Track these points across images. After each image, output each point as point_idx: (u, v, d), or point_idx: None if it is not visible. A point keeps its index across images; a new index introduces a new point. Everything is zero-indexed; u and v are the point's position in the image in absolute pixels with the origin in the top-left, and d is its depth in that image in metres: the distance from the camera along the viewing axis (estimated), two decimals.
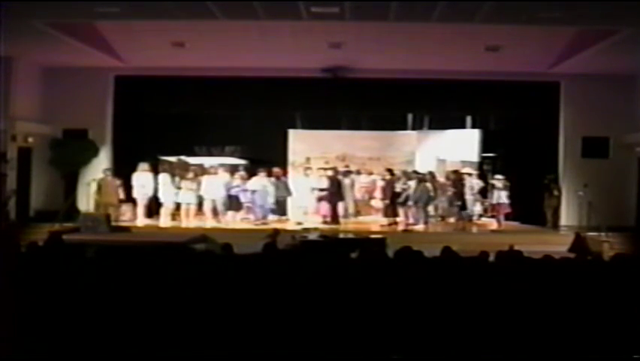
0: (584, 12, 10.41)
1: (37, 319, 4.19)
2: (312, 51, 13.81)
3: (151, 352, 4.05)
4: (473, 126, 17.08)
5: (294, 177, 15.51)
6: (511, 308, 4.45)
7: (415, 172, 14.75)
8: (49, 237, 8.09)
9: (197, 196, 14.20)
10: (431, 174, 14.86)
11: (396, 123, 17.56)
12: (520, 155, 15.72)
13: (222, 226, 13.80)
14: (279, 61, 14.46)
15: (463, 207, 14.31)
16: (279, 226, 12.59)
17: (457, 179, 14.76)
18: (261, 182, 14.25)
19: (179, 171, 14.95)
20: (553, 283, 4.99)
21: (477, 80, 15.11)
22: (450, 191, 14.68)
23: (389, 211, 14.43)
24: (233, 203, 14.18)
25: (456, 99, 15.82)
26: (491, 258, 6.31)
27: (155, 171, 14.47)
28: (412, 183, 13.94)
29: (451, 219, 14.71)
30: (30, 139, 14.51)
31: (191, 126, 16.42)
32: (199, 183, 14.24)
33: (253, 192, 14.15)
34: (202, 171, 15.30)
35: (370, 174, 16.23)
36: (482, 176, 15.49)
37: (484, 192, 14.92)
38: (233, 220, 14.17)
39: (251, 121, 16.49)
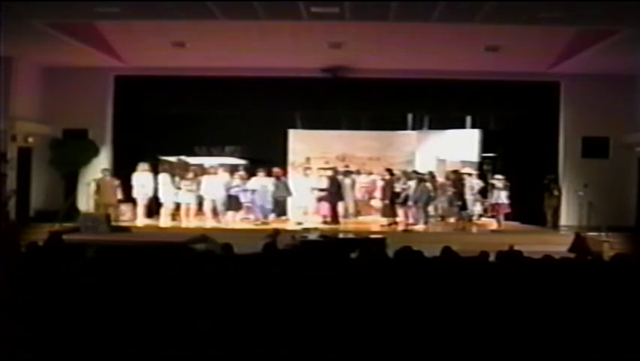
0: (584, 12, 10.40)
1: (37, 319, 4.19)
2: (312, 51, 13.80)
3: (151, 352, 4.05)
4: (473, 126, 17.09)
5: (294, 177, 15.51)
6: (512, 308, 4.45)
7: (415, 172, 14.75)
8: (49, 237, 8.09)
9: (197, 196, 14.20)
10: (431, 174, 14.86)
11: (396, 123, 17.57)
12: (520, 155, 15.72)
13: (222, 225, 13.80)
14: (279, 61, 14.46)
15: (463, 207, 14.31)
16: (279, 225, 12.58)
17: (457, 179, 14.77)
18: (260, 182, 14.26)
19: (179, 171, 14.95)
20: (553, 283, 4.99)
21: (477, 80, 15.10)
22: (450, 191, 14.69)
23: (387, 211, 14.44)
24: (233, 203, 14.17)
25: (456, 99, 15.81)
26: (491, 258, 6.31)
27: (155, 171, 14.47)
28: (412, 183, 13.94)
29: (451, 219, 14.71)
30: (30, 139, 14.51)
31: (191, 126, 16.43)
32: (199, 183, 14.24)
33: (253, 192, 14.16)
34: (202, 171, 15.30)
35: (370, 174, 16.24)
36: (482, 176, 15.51)
37: (484, 192, 14.92)
38: (233, 220, 14.16)
39: (251, 121, 16.47)
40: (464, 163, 16.08)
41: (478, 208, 14.83)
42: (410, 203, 13.90)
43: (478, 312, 4.37)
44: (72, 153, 15.23)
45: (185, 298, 4.50)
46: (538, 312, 4.37)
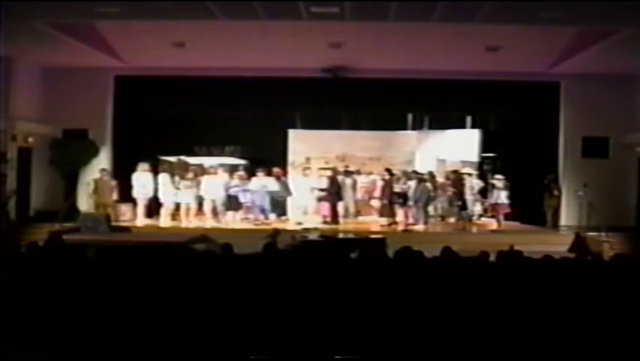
0: (584, 12, 10.41)
1: (37, 319, 4.19)
2: (312, 51, 13.80)
3: (151, 352, 4.05)
4: (473, 126, 17.09)
5: (294, 177, 15.51)
6: (511, 308, 4.45)
7: (415, 172, 14.75)
8: (49, 237, 8.08)
9: (197, 196, 14.21)
10: (431, 174, 14.86)
11: (396, 123, 17.57)
12: (520, 155, 15.72)
13: (222, 226, 13.80)
14: (279, 61, 14.46)
15: (463, 207, 14.31)
16: (279, 225, 12.58)
17: (457, 179, 14.77)
18: (260, 182, 14.25)
19: (179, 171, 14.93)
20: (553, 283, 4.99)
21: (477, 80, 15.11)
22: (450, 191, 14.69)
23: (385, 211, 14.43)
24: (232, 203, 14.17)
25: (456, 99, 15.82)
26: (491, 258, 6.31)
27: (155, 171, 14.46)
28: (412, 183, 13.94)
29: (451, 219, 14.71)
30: (30, 139, 14.51)
31: (191, 126, 16.43)
32: (199, 183, 14.24)
33: (253, 192, 14.15)
34: (202, 171, 15.30)
35: (370, 174, 16.23)
36: (482, 176, 15.52)
37: (484, 192, 14.93)
38: (233, 220, 14.16)
39: (251, 121, 16.48)
40: (464, 163, 16.08)
41: (478, 208, 14.84)
42: (410, 203, 13.90)
43: (478, 312, 4.37)
44: (72, 153, 15.23)
45: (185, 298, 4.50)
46: (538, 312, 4.36)
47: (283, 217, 14.70)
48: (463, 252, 6.35)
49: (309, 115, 17.08)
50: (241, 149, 17.24)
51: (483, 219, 15.13)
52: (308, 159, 16.85)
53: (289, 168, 16.38)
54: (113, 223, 12.92)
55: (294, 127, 17.30)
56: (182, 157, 16.55)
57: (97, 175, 14.39)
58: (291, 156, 17.00)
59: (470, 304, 4.45)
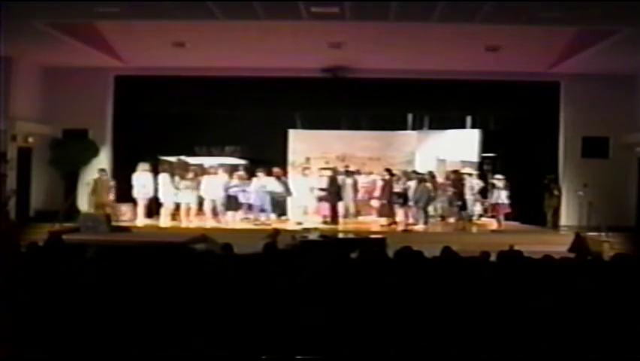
0: (584, 12, 10.41)
1: (37, 319, 4.18)
2: (312, 51, 13.80)
3: (151, 352, 4.05)
4: (473, 126, 17.08)
5: (293, 177, 15.51)
6: (512, 308, 4.45)
7: (415, 172, 14.75)
8: (49, 237, 8.08)
9: (197, 196, 14.21)
10: (431, 174, 14.86)
11: (396, 123, 17.56)
12: (520, 155, 15.72)
13: (222, 226, 13.80)
14: (279, 61, 14.46)
15: (463, 207, 14.31)
16: (279, 225, 12.58)
17: (457, 179, 14.77)
18: (260, 182, 14.25)
19: (179, 171, 14.93)
20: (553, 283, 4.99)
21: (477, 80, 15.10)
22: (450, 191, 14.69)
23: (384, 211, 14.43)
24: (232, 203, 14.18)
25: (456, 99, 15.81)
26: (492, 258, 6.32)
27: (155, 171, 14.46)
28: (412, 183, 13.94)
29: (451, 219, 14.71)
30: (30, 139, 14.51)
31: (191, 126, 16.42)
32: (199, 183, 14.24)
33: (252, 192, 14.15)
34: (202, 171, 15.30)
35: (370, 174, 16.23)
36: (482, 176, 15.51)
37: (484, 192, 14.93)
38: (233, 220, 14.16)
39: (251, 121, 16.46)
40: (464, 163, 16.08)
41: (478, 208, 14.84)
42: (410, 203, 13.90)
43: (479, 312, 4.37)
44: (72, 153, 15.23)
45: (185, 298, 4.50)
46: (538, 312, 4.36)
47: (283, 217, 14.71)
48: (463, 252, 6.35)
49: (309, 115, 17.08)
50: (241, 149, 17.23)
51: (483, 219, 15.13)
52: (308, 159, 16.84)
53: (289, 168, 16.37)
54: (113, 223, 12.95)
55: (294, 127, 17.30)
56: (182, 157, 16.54)
57: (96, 175, 14.40)
58: (291, 156, 16.99)
59: (470, 305, 4.45)
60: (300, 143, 17.24)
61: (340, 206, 14.86)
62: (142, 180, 14.03)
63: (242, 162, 16.33)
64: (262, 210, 14.25)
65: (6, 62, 13.38)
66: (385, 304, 4.41)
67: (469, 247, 7.70)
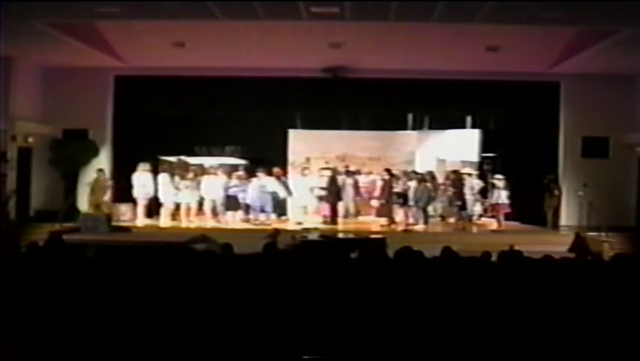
0: (584, 12, 10.41)
1: (38, 319, 4.18)
2: (312, 51, 13.80)
3: (151, 352, 4.05)
4: (473, 126, 17.09)
5: (294, 177, 15.51)
6: (511, 308, 4.45)
7: (415, 172, 14.75)
8: (49, 237, 8.08)
9: (197, 196, 14.21)
10: (431, 174, 14.86)
11: (396, 123, 17.56)
12: (520, 155, 15.72)
13: (222, 225, 13.81)
14: (279, 61, 14.46)
15: (463, 207, 14.31)
16: (279, 225, 12.58)
17: (457, 179, 14.76)
18: (260, 182, 14.25)
19: (179, 171, 14.94)
20: (553, 283, 4.99)
21: (477, 80, 15.10)
22: (450, 191, 14.70)
23: (383, 211, 14.43)
24: (232, 203, 14.18)
25: (456, 99, 15.80)
26: (493, 258, 6.32)
27: (155, 171, 14.46)
28: (412, 183, 13.94)
29: (451, 219, 14.72)
30: (30, 139, 14.51)
31: (191, 126, 16.41)
32: (199, 184, 14.24)
33: (252, 192, 14.15)
34: (202, 171, 15.30)
35: (370, 174, 16.23)
36: (482, 176, 15.51)
37: (484, 192, 14.93)
38: (233, 220, 14.17)
39: (251, 121, 16.46)
40: (464, 163, 16.08)
41: (478, 208, 14.83)
42: (410, 203, 13.90)
43: (478, 312, 4.37)
44: (72, 153, 15.22)
45: (185, 298, 4.50)
46: (538, 312, 4.36)
47: (283, 217, 14.70)
48: (464, 252, 6.35)
49: (309, 115, 17.08)
50: (241, 149, 17.23)
51: (483, 219, 15.12)
52: (308, 159, 16.83)
53: (289, 168, 16.37)
54: (113, 223, 12.96)
55: (294, 127, 17.30)
56: (182, 157, 16.54)
57: (95, 175, 14.43)
58: (291, 156, 16.99)
59: (470, 305, 4.45)
60: (300, 143, 17.23)
61: (340, 206, 14.86)
62: (142, 180, 14.04)
63: (242, 162, 16.33)
64: (262, 211, 14.26)
65: (6, 62, 13.38)
66: (385, 305, 4.41)
67: (469, 247, 7.70)
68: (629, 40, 11.60)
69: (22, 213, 14.19)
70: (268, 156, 16.16)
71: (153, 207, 14.52)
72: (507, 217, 14.46)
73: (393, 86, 15.38)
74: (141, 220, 14.05)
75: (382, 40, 12.95)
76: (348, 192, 15.24)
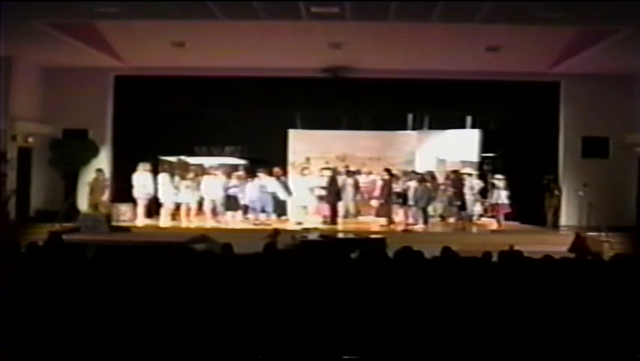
0: (584, 12, 10.41)
1: (38, 319, 4.18)
2: (312, 51, 13.80)
3: (151, 352, 4.05)
4: (473, 126, 17.09)
5: (294, 177, 15.51)
6: (511, 308, 4.45)
7: (415, 172, 14.75)
8: (49, 237, 8.07)
9: (197, 196, 14.21)
10: (431, 174, 14.86)
11: (396, 123, 17.58)
12: (520, 155, 15.73)
13: (222, 225, 13.81)
14: (279, 61, 14.46)
15: (463, 207, 14.31)
16: (279, 226, 12.59)
17: (457, 179, 14.77)
18: (260, 182, 14.26)
19: (179, 171, 14.95)
20: (553, 283, 4.99)
21: (477, 80, 15.10)
22: (450, 191, 14.70)
23: (382, 211, 14.43)
24: (232, 203, 14.18)
25: (456, 99, 15.80)
26: (493, 258, 6.32)
27: (155, 171, 14.47)
28: (412, 184, 13.94)
29: (451, 219, 14.71)
30: (30, 139, 14.52)
31: (191, 126, 16.43)
32: (199, 184, 14.25)
33: (252, 192, 14.15)
34: (202, 171, 15.31)
35: (370, 173, 16.23)
36: (482, 176, 15.52)
37: (484, 192, 14.94)
38: (233, 220, 14.17)
39: (251, 121, 16.48)
40: (464, 163, 16.08)
41: (478, 208, 14.84)
42: (410, 203, 13.90)
43: (478, 312, 4.37)
44: (72, 153, 15.23)
45: (185, 298, 4.50)
46: (538, 312, 4.36)
47: (283, 217, 14.70)
48: (463, 252, 6.35)
49: (309, 115, 17.09)
50: (241, 149, 17.24)
51: (483, 219, 15.13)
52: (308, 159, 16.84)
53: (289, 168, 16.37)
54: (113, 223, 12.97)
55: (294, 127, 17.31)
56: (182, 157, 16.55)
57: (94, 175, 14.45)
58: (291, 156, 16.99)
59: (470, 304, 4.45)
60: (300, 143, 17.24)
61: (340, 206, 14.86)
62: (142, 180, 14.03)
63: (242, 162, 16.33)
64: (263, 211, 14.26)
65: (6, 62, 13.37)
66: (385, 305, 4.41)
67: (469, 247, 7.71)
68: (629, 40, 11.60)
69: (22, 213, 14.20)
70: (268, 156, 16.16)
71: (153, 207, 14.53)
72: (507, 217, 14.46)
73: (393, 86, 15.38)
74: (141, 220, 14.05)
75: (382, 40, 12.96)
76: (348, 193, 15.23)
